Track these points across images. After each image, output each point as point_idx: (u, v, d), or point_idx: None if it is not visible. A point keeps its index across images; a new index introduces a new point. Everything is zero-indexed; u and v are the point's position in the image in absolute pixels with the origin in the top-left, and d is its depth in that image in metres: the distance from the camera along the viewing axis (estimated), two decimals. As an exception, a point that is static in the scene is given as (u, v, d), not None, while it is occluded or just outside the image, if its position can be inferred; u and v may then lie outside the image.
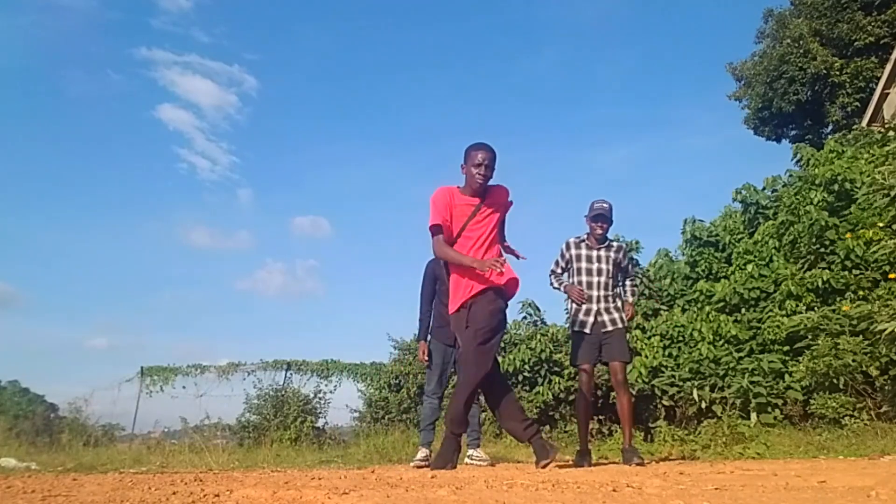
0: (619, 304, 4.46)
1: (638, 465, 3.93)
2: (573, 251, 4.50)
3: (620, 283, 4.64)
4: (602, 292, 4.39)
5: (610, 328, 4.32)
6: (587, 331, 4.32)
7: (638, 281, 4.59)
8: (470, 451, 4.69)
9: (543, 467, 3.36)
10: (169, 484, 2.59)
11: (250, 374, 11.48)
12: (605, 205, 4.45)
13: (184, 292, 35.10)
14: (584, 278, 4.43)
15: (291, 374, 11.68)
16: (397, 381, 10.53)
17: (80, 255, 34.63)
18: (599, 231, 4.43)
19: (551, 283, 4.60)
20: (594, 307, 4.37)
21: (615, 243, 4.57)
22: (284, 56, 44.49)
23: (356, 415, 11.02)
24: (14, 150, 32.50)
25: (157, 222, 37.09)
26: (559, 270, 4.56)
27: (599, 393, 7.50)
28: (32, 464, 4.66)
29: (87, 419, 10.07)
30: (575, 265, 4.48)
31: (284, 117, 43.19)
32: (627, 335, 4.55)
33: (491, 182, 3.60)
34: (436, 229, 3.50)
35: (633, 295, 4.73)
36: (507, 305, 3.62)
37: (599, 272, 4.41)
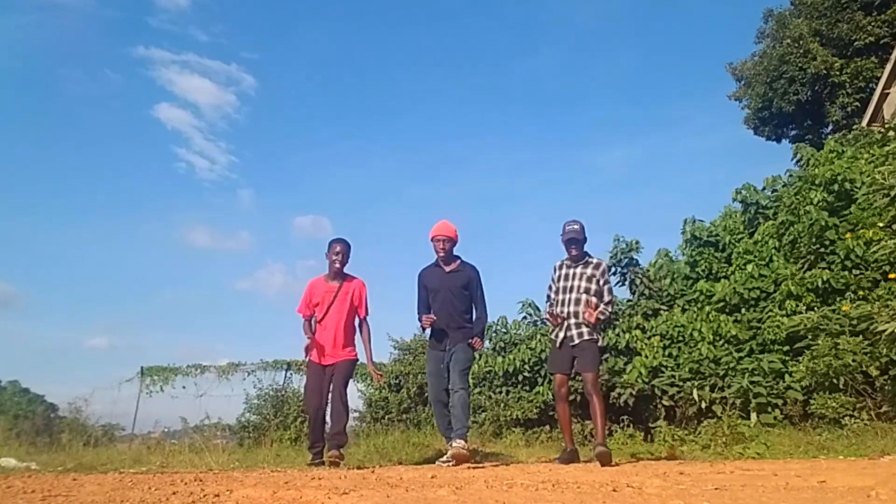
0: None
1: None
2: (558, 272, 4.78)
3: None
4: (572, 308, 4.60)
5: (577, 341, 4.54)
6: (558, 344, 4.62)
7: (611, 309, 4.75)
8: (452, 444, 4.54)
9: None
10: (169, 484, 2.59)
11: (250, 374, 11.46)
12: (575, 226, 4.66)
13: (184, 292, 35.14)
14: (559, 296, 4.69)
15: (291, 374, 11.63)
16: (397, 381, 10.51)
17: (81, 256, 34.70)
18: (574, 252, 4.68)
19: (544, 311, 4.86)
20: (565, 322, 4.61)
21: (594, 260, 4.74)
22: (283, 55, 44.54)
23: (356, 415, 11.00)
24: (14, 150, 32.53)
25: (156, 222, 37.17)
26: (552, 294, 4.80)
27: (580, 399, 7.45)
28: (32, 464, 4.65)
29: (87, 419, 10.05)
30: (560, 284, 4.73)
31: (284, 117, 43.26)
32: (600, 344, 4.66)
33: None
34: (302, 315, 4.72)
35: (602, 310, 4.61)
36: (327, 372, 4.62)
37: (570, 289, 4.65)
